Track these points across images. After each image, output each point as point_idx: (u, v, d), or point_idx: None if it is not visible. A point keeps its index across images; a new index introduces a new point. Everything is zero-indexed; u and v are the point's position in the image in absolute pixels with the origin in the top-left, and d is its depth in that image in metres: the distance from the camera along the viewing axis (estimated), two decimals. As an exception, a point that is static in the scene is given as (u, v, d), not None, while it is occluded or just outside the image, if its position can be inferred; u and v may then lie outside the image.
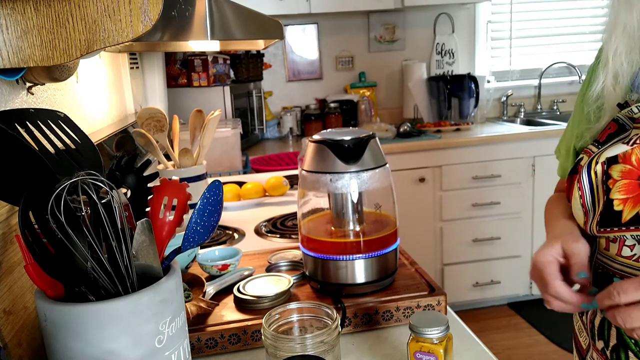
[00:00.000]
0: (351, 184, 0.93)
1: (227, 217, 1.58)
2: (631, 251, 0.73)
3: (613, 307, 0.66)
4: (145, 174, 0.67)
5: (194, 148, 1.41)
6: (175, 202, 0.65)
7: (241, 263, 1.11)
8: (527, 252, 3.00)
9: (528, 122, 3.33)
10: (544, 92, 3.53)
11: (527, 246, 2.99)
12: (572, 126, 0.92)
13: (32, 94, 0.95)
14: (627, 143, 0.72)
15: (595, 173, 0.74)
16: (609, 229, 0.73)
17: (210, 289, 0.97)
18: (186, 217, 0.66)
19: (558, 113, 3.49)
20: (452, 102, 3.27)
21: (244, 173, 2.34)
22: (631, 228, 0.70)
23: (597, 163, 0.75)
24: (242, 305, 0.93)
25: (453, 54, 3.42)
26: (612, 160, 0.73)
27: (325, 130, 1.00)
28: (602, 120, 0.80)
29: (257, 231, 1.46)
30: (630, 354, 0.75)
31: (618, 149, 0.73)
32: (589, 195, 0.76)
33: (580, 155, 0.81)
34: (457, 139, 2.86)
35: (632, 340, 0.74)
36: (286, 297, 0.94)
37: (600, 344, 0.80)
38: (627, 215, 0.70)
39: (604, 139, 0.78)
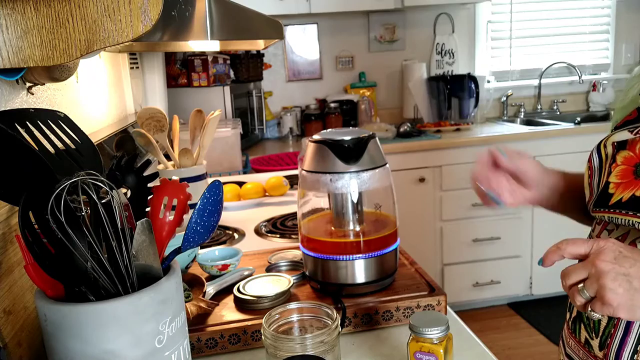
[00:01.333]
0: (351, 184, 0.93)
1: (227, 217, 1.58)
2: (608, 235, 0.74)
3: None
4: (145, 174, 0.67)
5: (194, 148, 1.41)
6: (175, 202, 0.65)
7: (241, 263, 1.11)
8: (527, 252, 3.00)
9: (528, 122, 3.33)
10: (544, 92, 3.53)
11: (527, 246, 2.99)
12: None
13: (32, 94, 0.95)
14: (632, 132, 0.74)
15: (606, 155, 0.76)
16: (598, 210, 0.75)
17: (210, 289, 0.97)
18: (186, 217, 0.66)
19: (558, 113, 3.49)
20: (452, 102, 3.27)
21: (244, 173, 2.34)
22: (610, 211, 0.72)
23: (605, 146, 0.77)
24: (242, 305, 0.93)
25: (453, 54, 3.42)
26: (622, 145, 0.74)
27: (325, 130, 1.00)
28: (625, 100, 0.82)
29: (257, 231, 1.46)
30: (582, 326, 0.78)
31: (622, 135, 0.75)
32: (596, 175, 0.78)
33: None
34: (457, 139, 2.86)
35: (585, 314, 0.76)
36: (286, 297, 0.94)
37: (567, 316, 0.84)
38: (613, 199, 0.72)
39: (621, 124, 0.79)
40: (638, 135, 0.73)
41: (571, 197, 0.89)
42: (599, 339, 0.74)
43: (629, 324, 0.71)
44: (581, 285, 0.65)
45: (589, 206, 0.79)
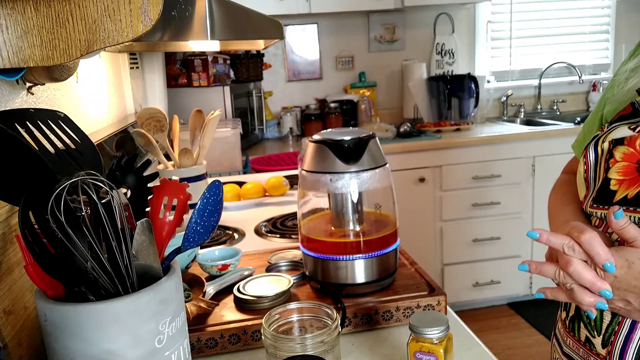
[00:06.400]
0: (351, 184, 0.93)
1: (227, 217, 1.58)
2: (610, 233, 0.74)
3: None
4: (145, 174, 0.67)
5: (194, 148, 1.41)
6: (175, 202, 0.65)
7: (241, 263, 1.11)
8: (527, 252, 3.00)
9: (528, 122, 3.33)
10: (544, 92, 3.53)
11: (527, 246, 2.99)
12: (589, 120, 0.94)
13: (32, 94, 0.95)
14: (634, 130, 0.74)
15: (602, 150, 0.76)
16: (600, 207, 0.75)
17: (210, 289, 0.97)
18: (186, 217, 0.66)
19: (558, 113, 3.49)
20: (452, 102, 3.27)
21: (244, 173, 2.34)
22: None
23: (603, 141, 0.76)
24: (242, 305, 0.93)
25: (453, 54, 3.42)
26: (619, 141, 0.74)
27: (325, 130, 1.00)
28: (623, 91, 0.81)
29: (257, 231, 1.46)
30: (581, 324, 0.79)
31: (622, 132, 0.74)
32: (592, 170, 0.78)
33: (596, 132, 0.82)
34: (457, 139, 2.86)
35: (584, 313, 0.78)
36: (286, 297, 0.94)
37: (563, 315, 0.85)
38: (618, 196, 0.72)
39: (616, 119, 0.79)
40: (638, 131, 0.73)
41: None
42: (601, 337, 0.75)
43: (634, 322, 0.71)
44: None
45: (585, 202, 0.78)
